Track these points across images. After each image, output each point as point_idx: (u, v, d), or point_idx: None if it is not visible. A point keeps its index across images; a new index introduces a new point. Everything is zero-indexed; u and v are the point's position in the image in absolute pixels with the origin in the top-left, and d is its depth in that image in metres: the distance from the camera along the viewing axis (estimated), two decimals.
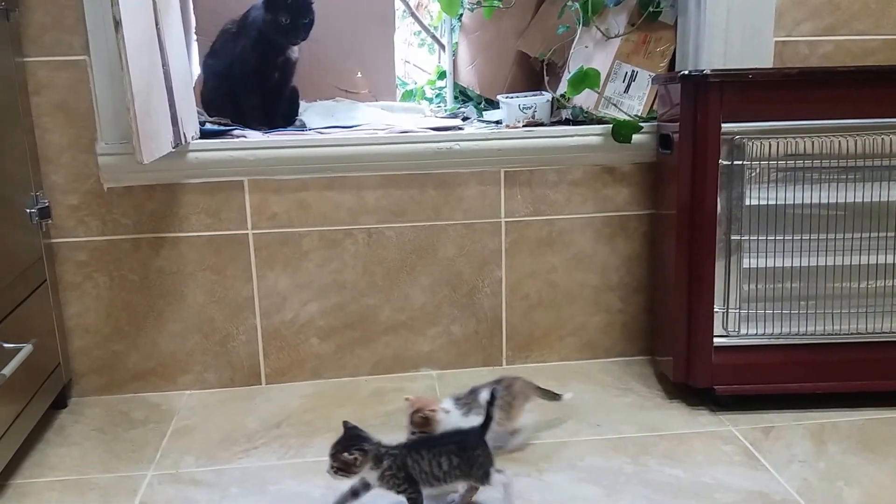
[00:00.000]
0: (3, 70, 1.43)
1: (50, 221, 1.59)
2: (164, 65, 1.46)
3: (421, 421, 1.28)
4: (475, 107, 2.01)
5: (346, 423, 1.20)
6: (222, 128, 1.71)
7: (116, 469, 1.40)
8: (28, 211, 1.48)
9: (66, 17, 1.53)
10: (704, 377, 1.53)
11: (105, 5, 1.48)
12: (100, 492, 1.32)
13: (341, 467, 1.14)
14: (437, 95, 2.18)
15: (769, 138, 1.45)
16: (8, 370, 1.25)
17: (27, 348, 1.34)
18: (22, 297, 1.42)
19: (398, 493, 1.17)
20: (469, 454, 1.17)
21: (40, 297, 1.51)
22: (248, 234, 1.67)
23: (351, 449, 1.14)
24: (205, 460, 1.42)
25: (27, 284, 1.45)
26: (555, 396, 1.47)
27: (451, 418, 1.29)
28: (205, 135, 1.64)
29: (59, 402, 1.62)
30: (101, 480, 1.36)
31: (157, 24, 1.44)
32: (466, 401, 1.34)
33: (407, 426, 1.29)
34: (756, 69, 1.60)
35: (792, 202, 1.48)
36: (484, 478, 1.18)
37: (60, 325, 1.62)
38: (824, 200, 1.47)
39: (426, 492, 1.18)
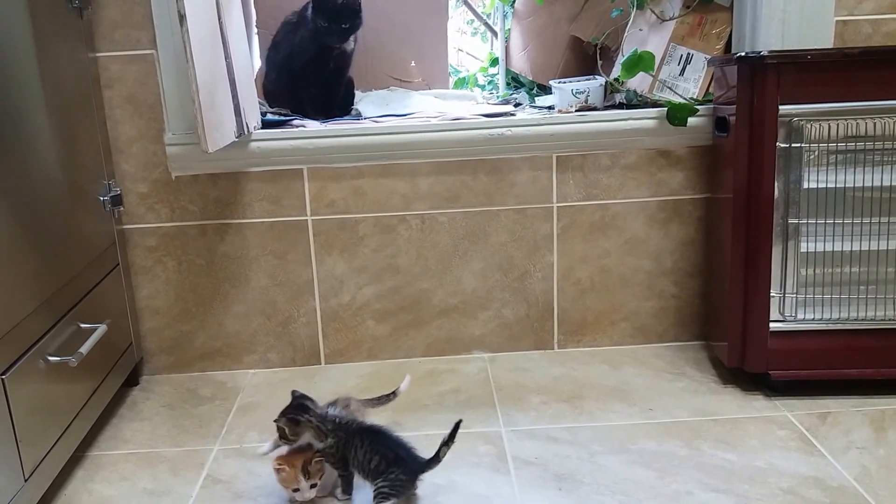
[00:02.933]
0: (78, 65, 1.51)
1: (121, 208, 1.68)
2: (227, 58, 1.51)
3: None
4: (527, 93, 2.01)
5: (293, 393, 1.26)
6: (282, 118, 1.76)
7: (185, 443, 1.47)
8: (101, 198, 1.56)
9: (135, 14, 1.60)
10: (760, 362, 1.51)
11: (171, 1, 1.54)
12: (169, 464, 1.40)
13: (279, 434, 1.20)
14: (489, 82, 2.19)
15: (828, 120, 1.42)
16: (85, 349, 1.32)
17: (102, 328, 1.42)
18: (96, 280, 1.50)
19: (334, 468, 1.22)
20: (392, 469, 1.16)
21: (113, 280, 1.59)
22: (307, 220, 1.72)
23: (283, 419, 1.20)
24: (268, 436, 1.46)
25: (101, 268, 1.53)
26: (388, 397, 1.41)
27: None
28: (266, 125, 1.69)
29: (132, 380, 1.71)
30: (170, 454, 1.43)
31: (219, 19, 1.49)
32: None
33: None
34: (815, 50, 1.56)
35: (851, 185, 1.44)
36: (376, 497, 1.16)
37: (132, 306, 1.70)
38: (885, 183, 1.44)
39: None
